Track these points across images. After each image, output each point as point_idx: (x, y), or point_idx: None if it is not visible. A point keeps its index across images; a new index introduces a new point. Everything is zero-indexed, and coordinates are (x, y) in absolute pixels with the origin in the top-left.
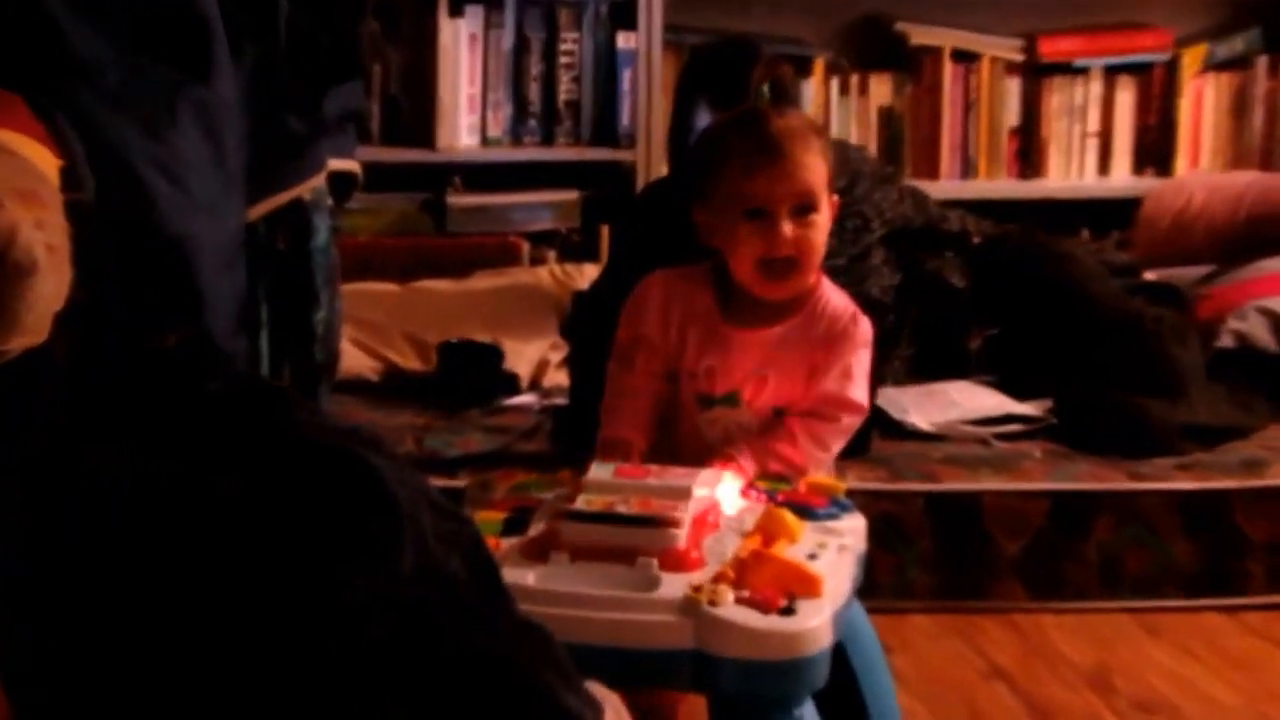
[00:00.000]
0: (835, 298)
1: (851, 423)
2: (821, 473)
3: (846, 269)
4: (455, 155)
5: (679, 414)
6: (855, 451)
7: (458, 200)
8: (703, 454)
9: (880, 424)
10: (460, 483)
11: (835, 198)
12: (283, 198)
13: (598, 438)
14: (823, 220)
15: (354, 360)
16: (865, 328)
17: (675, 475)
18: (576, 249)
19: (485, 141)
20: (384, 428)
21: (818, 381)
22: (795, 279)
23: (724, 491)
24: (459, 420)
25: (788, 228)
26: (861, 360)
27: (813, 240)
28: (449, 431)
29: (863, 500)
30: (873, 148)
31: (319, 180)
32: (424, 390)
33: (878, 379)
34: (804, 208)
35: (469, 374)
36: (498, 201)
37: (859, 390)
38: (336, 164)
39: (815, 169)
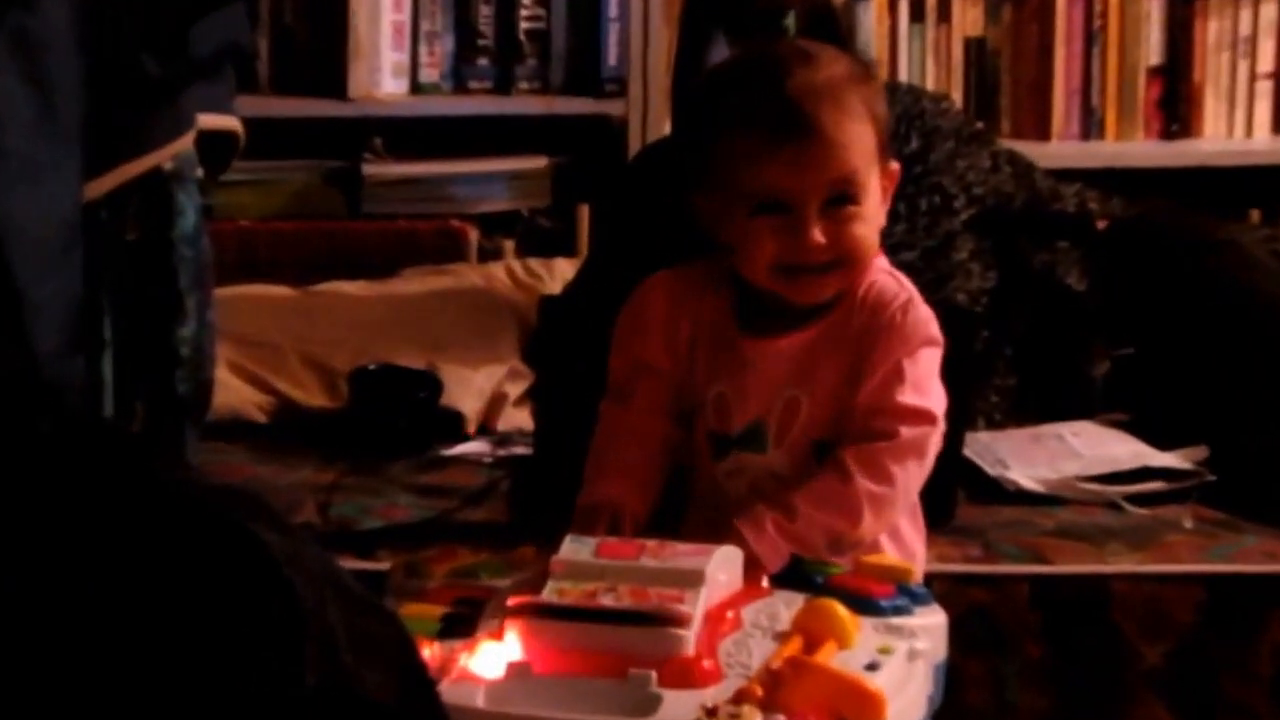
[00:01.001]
0: (884, 281)
1: (915, 435)
2: (894, 519)
3: (921, 266)
4: (375, 108)
5: (695, 470)
6: (934, 519)
7: (378, 170)
8: (725, 523)
9: (969, 482)
10: (381, 565)
11: (895, 165)
12: (135, 167)
13: (576, 502)
14: (870, 208)
15: (233, 393)
16: (920, 318)
17: (681, 554)
18: (545, 238)
19: (416, 89)
20: (275, 487)
21: (856, 393)
22: (834, 279)
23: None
24: (379, 478)
25: (818, 230)
26: (921, 361)
27: (856, 236)
28: (365, 493)
29: (944, 587)
30: (956, 96)
31: (185, 143)
32: (331, 436)
33: (965, 416)
34: (842, 197)
35: (393, 413)
36: (434, 172)
37: (916, 394)
38: (209, 120)
39: (858, 142)
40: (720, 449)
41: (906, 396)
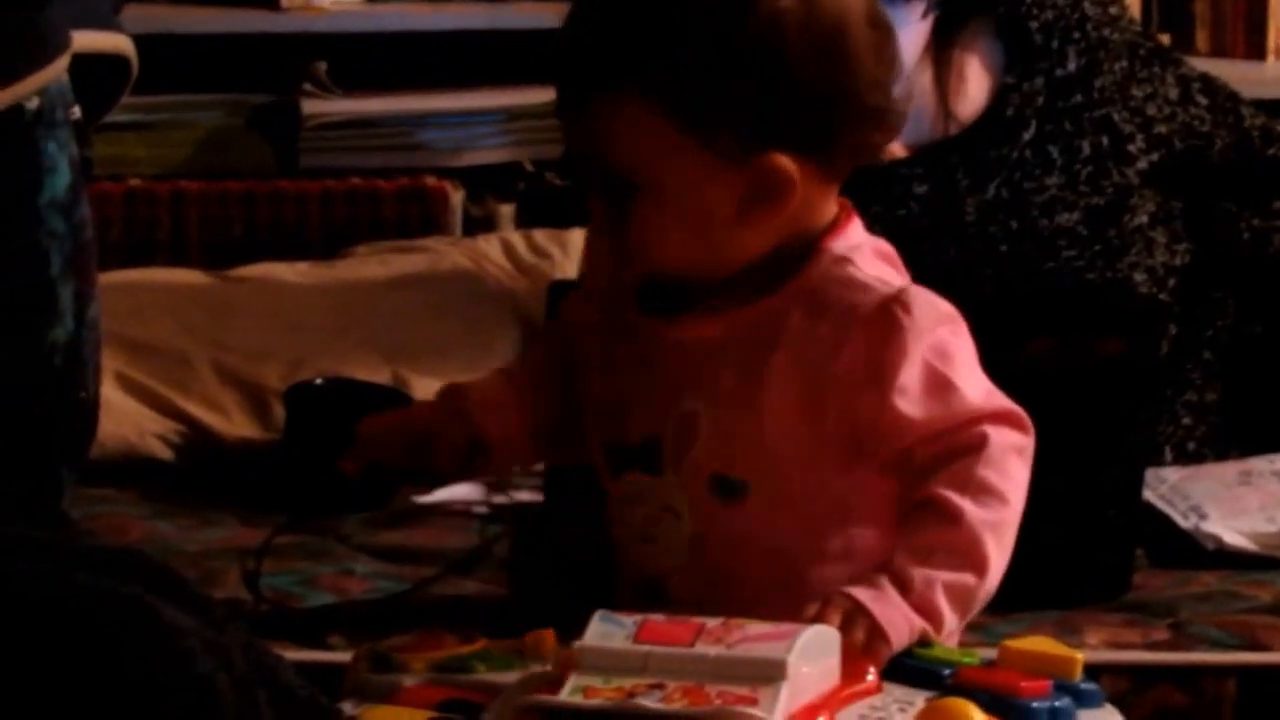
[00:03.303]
0: (844, 274)
1: (1006, 436)
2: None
3: (1084, 233)
4: (316, 20)
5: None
6: (1104, 590)
7: (321, 107)
8: (641, 576)
9: (1151, 537)
10: (337, 656)
11: (778, 159)
12: None
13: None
14: (659, 214)
15: (126, 420)
16: (923, 301)
17: (753, 637)
18: (555, 201)
19: None
20: (185, 551)
21: (884, 419)
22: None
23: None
24: (328, 536)
25: (596, 209)
26: (954, 351)
27: (635, 241)
28: (310, 558)
29: (1120, 683)
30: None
31: (55, 72)
32: (261, 478)
33: (1147, 445)
34: (617, 190)
35: (346, 446)
36: (399, 109)
37: (977, 389)
38: (89, 40)
39: (633, 120)
40: (616, 465)
41: (971, 399)
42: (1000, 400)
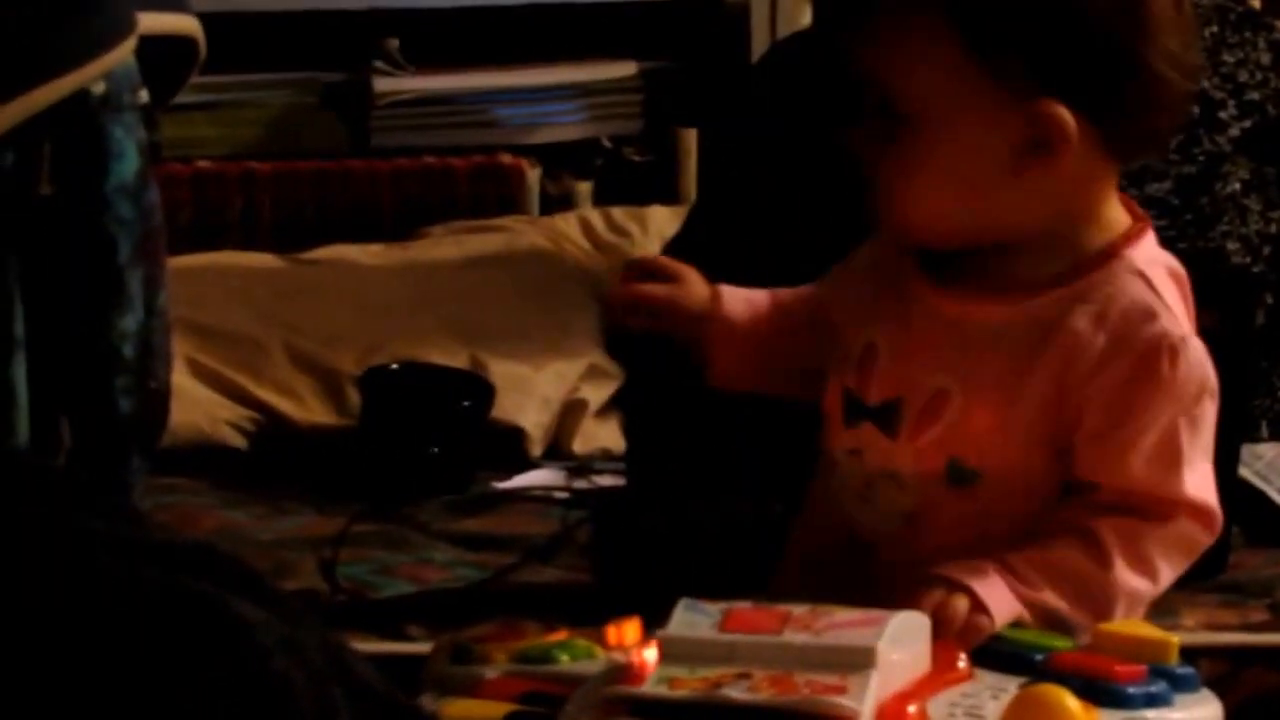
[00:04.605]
0: (1138, 295)
1: (1191, 530)
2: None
3: (1176, 203)
4: None
5: (823, 444)
6: (1197, 570)
7: (394, 85)
8: (856, 534)
9: (1247, 514)
10: (416, 647)
11: (1056, 108)
12: (48, 93)
13: None
14: (930, 153)
15: (197, 408)
16: (1193, 364)
17: (841, 625)
18: (634, 177)
19: None
20: (258, 541)
21: (1100, 451)
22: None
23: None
24: (406, 524)
25: (858, 136)
26: (1201, 427)
27: (899, 187)
28: (387, 546)
29: (1217, 667)
30: None
31: (121, 55)
32: (336, 465)
33: (1241, 420)
34: (890, 125)
35: (423, 432)
36: (474, 85)
37: (1197, 480)
38: (155, 22)
39: (925, 41)
40: (852, 414)
41: (1189, 487)
42: (1208, 495)
